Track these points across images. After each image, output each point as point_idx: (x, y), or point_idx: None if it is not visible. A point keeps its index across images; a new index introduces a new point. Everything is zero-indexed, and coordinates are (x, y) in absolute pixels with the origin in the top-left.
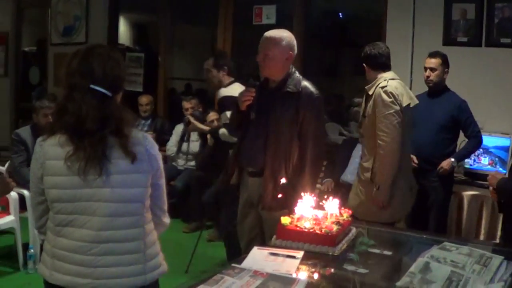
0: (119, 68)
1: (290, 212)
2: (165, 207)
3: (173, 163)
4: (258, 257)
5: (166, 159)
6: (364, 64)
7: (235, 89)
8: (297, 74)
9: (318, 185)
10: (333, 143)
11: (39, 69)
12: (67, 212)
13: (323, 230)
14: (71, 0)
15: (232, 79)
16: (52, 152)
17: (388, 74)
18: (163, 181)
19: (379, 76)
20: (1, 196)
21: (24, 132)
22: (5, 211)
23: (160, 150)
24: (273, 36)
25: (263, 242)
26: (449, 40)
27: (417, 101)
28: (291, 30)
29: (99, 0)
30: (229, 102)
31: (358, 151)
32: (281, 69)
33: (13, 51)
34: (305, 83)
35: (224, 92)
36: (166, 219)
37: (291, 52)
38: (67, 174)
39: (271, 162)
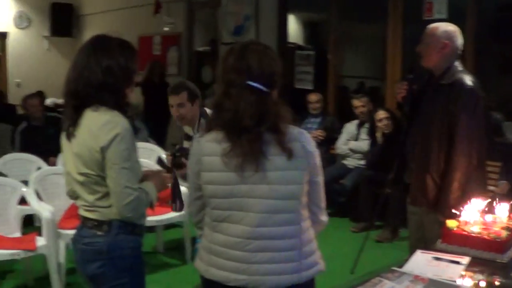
0: (275, 64)
1: (441, 213)
2: (323, 204)
3: (343, 162)
4: (421, 261)
5: (335, 157)
6: None
7: None
8: (457, 67)
9: (492, 187)
10: (510, 144)
11: (211, 68)
12: (223, 207)
13: (491, 236)
14: (241, 0)
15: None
16: (208, 148)
17: None
18: (320, 178)
19: None
20: (159, 192)
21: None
22: None
23: (329, 148)
24: (431, 26)
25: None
26: None
27: None
28: (463, 25)
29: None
30: None
31: None
32: (436, 58)
33: (185, 51)
34: (461, 76)
35: None
36: (324, 217)
37: (446, 41)
38: (223, 170)
39: (418, 157)
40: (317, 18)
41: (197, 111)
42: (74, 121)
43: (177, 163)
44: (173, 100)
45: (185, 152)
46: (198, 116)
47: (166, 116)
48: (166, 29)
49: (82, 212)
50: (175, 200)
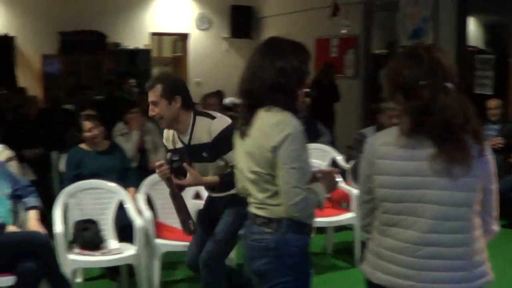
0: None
1: None
2: (495, 213)
3: None
4: None
5: None
6: None
7: (225, 119)
8: None
9: None
10: None
11: None
12: (395, 212)
13: None
14: (419, 3)
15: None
16: (383, 151)
17: None
18: (494, 186)
19: None
20: (329, 193)
21: (369, 132)
22: (347, 208)
23: (508, 157)
24: None
25: None
26: None
27: None
28: None
29: (448, 2)
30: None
31: None
32: None
33: (363, 54)
34: None
35: (218, 125)
36: (495, 227)
37: None
38: (399, 174)
39: None
40: (499, 21)
41: (182, 112)
42: (247, 120)
43: (176, 171)
44: (148, 96)
45: (183, 156)
46: (189, 119)
47: (332, 117)
48: (343, 31)
49: (252, 209)
50: (185, 222)
